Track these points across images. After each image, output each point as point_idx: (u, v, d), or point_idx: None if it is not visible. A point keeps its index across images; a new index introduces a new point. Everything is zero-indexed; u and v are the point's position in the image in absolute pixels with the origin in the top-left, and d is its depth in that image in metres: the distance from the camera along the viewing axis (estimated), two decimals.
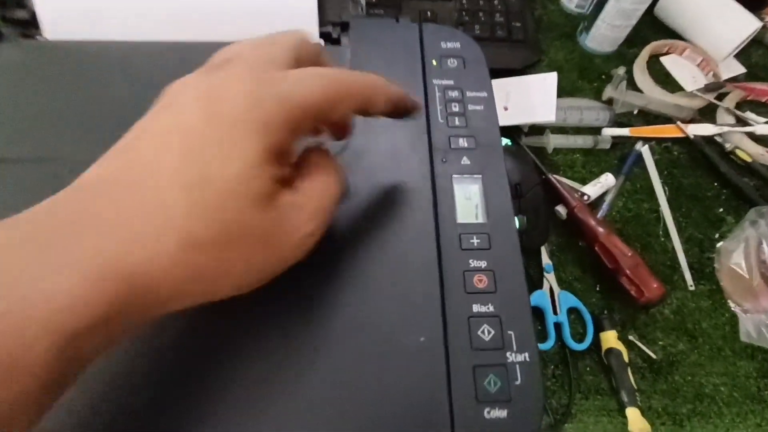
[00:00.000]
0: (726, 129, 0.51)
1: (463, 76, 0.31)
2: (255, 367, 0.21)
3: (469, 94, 0.30)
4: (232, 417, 0.20)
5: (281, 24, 0.35)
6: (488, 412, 0.21)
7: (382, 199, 0.26)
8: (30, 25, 0.35)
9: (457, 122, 0.29)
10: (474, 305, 0.23)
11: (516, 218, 0.44)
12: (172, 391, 0.20)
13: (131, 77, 0.31)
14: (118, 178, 0.16)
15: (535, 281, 0.45)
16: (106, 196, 0.15)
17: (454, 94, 0.30)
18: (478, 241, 0.25)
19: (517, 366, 0.22)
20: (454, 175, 0.27)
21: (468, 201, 0.26)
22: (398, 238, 0.25)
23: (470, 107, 0.30)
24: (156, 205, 0.15)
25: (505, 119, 0.49)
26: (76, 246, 0.14)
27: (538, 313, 0.44)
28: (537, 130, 0.52)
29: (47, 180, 0.27)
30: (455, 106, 0.30)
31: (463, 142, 0.28)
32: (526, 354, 0.22)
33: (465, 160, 0.28)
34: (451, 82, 0.31)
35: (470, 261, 0.24)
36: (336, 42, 0.36)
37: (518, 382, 0.22)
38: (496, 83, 0.52)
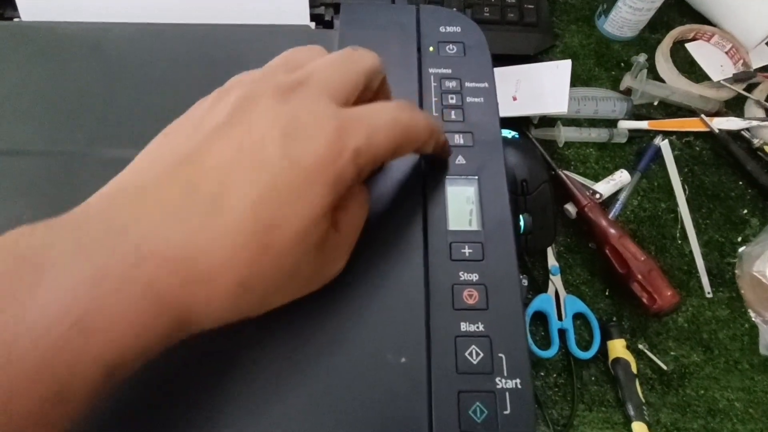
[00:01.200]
0: (755, 123, 0.47)
1: (462, 64, 0.28)
2: (220, 384, 0.19)
3: (468, 84, 0.27)
4: None
5: (270, 4, 0.33)
6: None
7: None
8: (7, 6, 0.33)
9: (453, 116, 0.26)
10: (462, 323, 0.21)
11: (521, 217, 0.41)
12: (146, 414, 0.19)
13: (109, 60, 0.29)
14: (182, 201, 0.15)
15: (539, 284, 0.43)
16: (168, 217, 0.14)
17: (452, 84, 0.27)
18: (471, 251, 0.23)
19: (507, 393, 0.20)
20: (448, 177, 0.24)
21: (461, 206, 0.24)
22: (381, 246, 0.22)
23: (469, 99, 0.27)
24: (222, 243, 0.14)
25: (513, 110, 0.46)
26: (135, 272, 0.13)
27: (541, 319, 0.42)
28: (547, 121, 0.49)
29: (26, 172, 0.25)
30: (452, 98, 0.27)
31: (458, 139, 0.26)
32: (518, 380, 0.20)
33: (460, 159, 0.25)
34: (448, 71, 0.28)
35: (460, 273, 0.22)
36: (329, 25, 0.33)
37: (507, 412, 0.19)
38: (505, 71, 0.48)
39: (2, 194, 0.24)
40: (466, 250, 0.23)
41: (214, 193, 0.15)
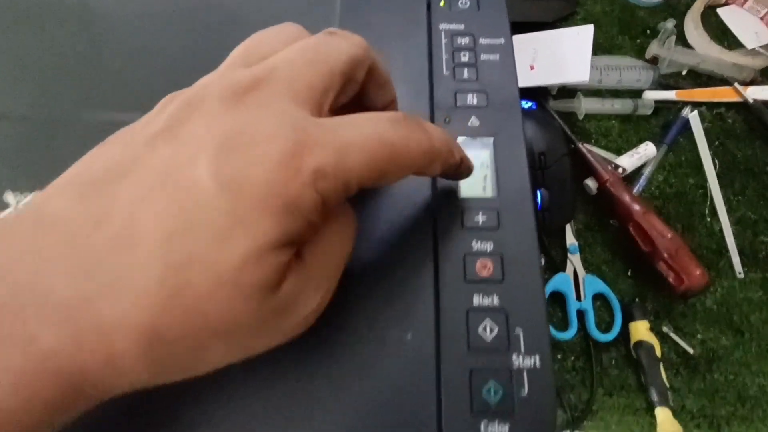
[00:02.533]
0: None
1: (476, 19, 0.26)
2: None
3: (482, 41, 0.25)
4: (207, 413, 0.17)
5: None
6: (485, 427, 0.17)
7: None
8: None
9: (465, 75, 0.24)
10: (475, 296, 0.19)
11: (538, 192, 0.39)
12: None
13: (95, 22, 0.27)
14: (86, 234, 0.11)
15: (557, 263, 0.41)
16: (64, 255, 0.11)
17: (464, 41, 0.25)
18: (485, 218, 0.21)
19: (525, 372, 0.18)
20: (459, 138, 0.22)
21: (475, 171, 0.22)
22: (387, 214, 0.21)
23: (483, 57, 0.25)
24: (122, 286, 0.11)
25: (530, 79, 0.43)
26: (11, 328, 0.10)
27: (559, 299, 0.40)
28: (567, 92, 0.46)
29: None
30: (464, 56, 0.24)
31: (472, 99, 0.23)
32: (537, 358, 0.18)
33: (474, 121, 0.23)
34: (461, 27, 0.25)
35: (473, 243, 0.20)
36: None
37: (525, 393, 0.18)
38: (522, 38, 0.45)
39: None
40: (480, 218, 0.20)
41: (121, 223, 0.12)
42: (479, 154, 0.22)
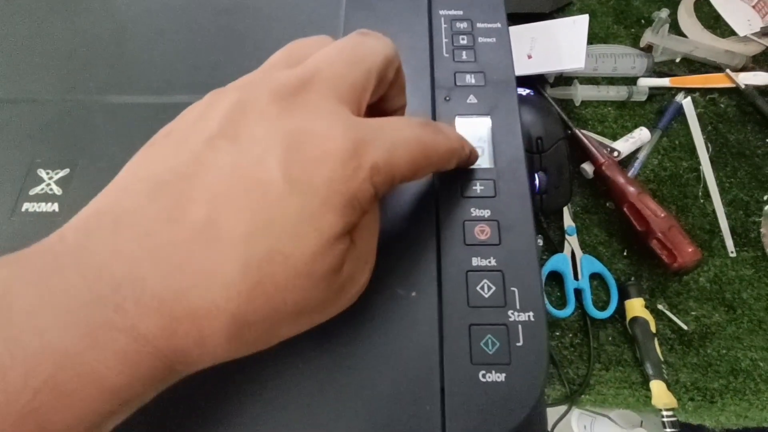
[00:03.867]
0: None
1: (473, 4, 0.27)
2: None
3: (479, 25, 0.26)
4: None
5: None
6: (484, 375, 0.19)
7: None
8: None
9: (464, 56, 0.25)
10: (474, 258, 0.21)
11: (536, 175, 0.41)
12: None
13: (119, 10, 0.29)
14: (166, 230, 0.13)
15: (555, 245, 0.42)
16: (151, 250, 0.12)
17: (463, 25, 0.26)
18: (482, 187, 0.22)
19: (520, 326, 0.19)
20: (458, 116, 0.24)
21: (473, 143, 0.23)
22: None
23: (480, 40, 0.26)
24: (211, 278, 0.12)
25: (528, 68, 0.45)
26: (115, 318, 0.12)
27: (557, 279, 0.41)
28: (564, 80, 0.48)
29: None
30: (463, 39, 0.26)
31: (470, 79, 0.25)
32: (531, 313, 0.20)
33: (472, 99, 0.24)
34: (459, 13, 0.27)
35: (472, 210, 0.22)
36: None
37: (520, 344, 0.19)
38: (519, 29, 0.47)
39: (17, 140, 0.24)
40: (478, 187, 0.22)
41: (202, 220, 0.13)
42: (477, 129, 0.24)
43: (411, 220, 0.22)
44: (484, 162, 0.23)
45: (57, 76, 0.27)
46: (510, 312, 0.20)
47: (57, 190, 0.23)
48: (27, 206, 0.22)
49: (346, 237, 0.14)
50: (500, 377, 0.19)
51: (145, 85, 0.26)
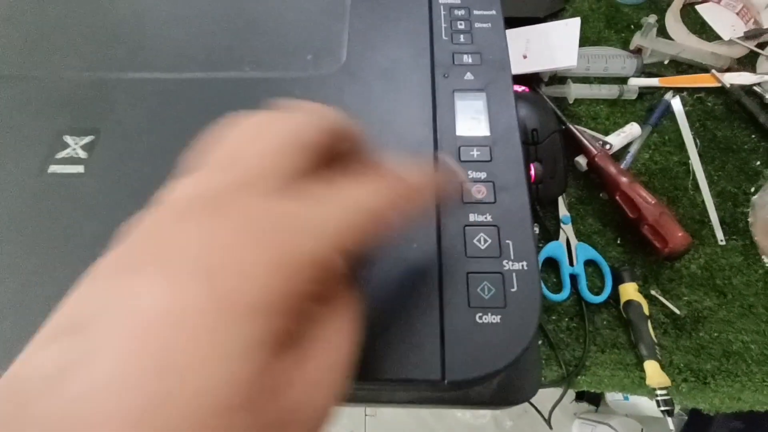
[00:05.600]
0: (767, 78, 0.47)
1: None
2: None
3: (476, 12, 0.29)
4: None
5: None
6: (480, 318, 0.20)
7: (379, 113, 0.25)
8: None
9: (462, 39, 0.28)
10: (471, 215, 0.22)
11: (531, 166, 0.42)
12: None
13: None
14: (53, 387, 0.10)
15: (551, 233, 0.43)
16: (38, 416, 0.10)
17: (461, 12, 0.29)
18: (479, 153, 0.24)
19: (514, 274, 0.21)
20: (456, 90, 0.26)
21: (470, 115, 0.25)
22: (392, 151, 0.24)
23: (477, 25, 0.28)
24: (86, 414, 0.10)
25: (523, 67, 0.47)
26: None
27: (553, 265, 0.42)
28: (558, 79, 0.50)
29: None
30: (461, 24, 0.28)
31: (467, 59, 0.27)
32: (524, 263, 0.21)
33: (468, 76, 0.26)
34: (457, 1, 0.29)
35: (469, 172, 0.23)
36: None
37: (514, 290, 0.20)
38: (515, 32, 0.49)
39: (45, 111, 0.26)
40: (475, 152, 0.24)
41: (96, 361, 0.10)
42: (474, 103, 0.26)
43: None
44: (481, 131, 0.24)
45: (81, 55, 0.29)
46: (504, 261, 0.21)
47: (83, 154, 0.24)
48: (54, 168, 0.24)
49: (279, 354, 0.11)
50: (496, 319, 0.20)
51: (160, 62, 0.28)
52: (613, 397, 0.86)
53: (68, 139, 0.25)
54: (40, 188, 0.24)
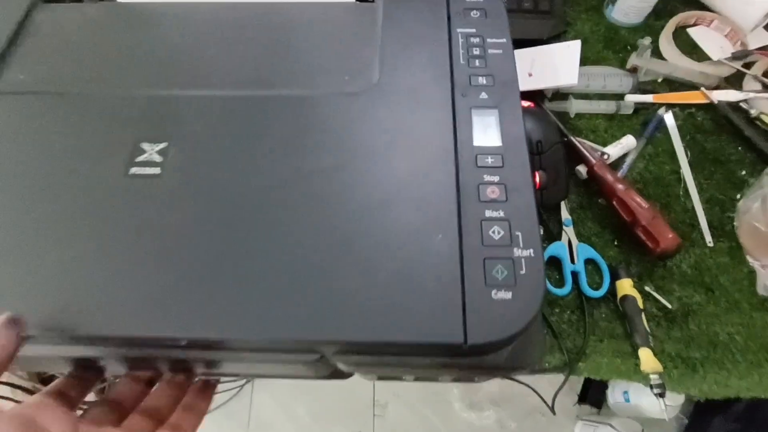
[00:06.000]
0: (752, 95, 0.52)
1: (484, 25, 0.34)
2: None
3: (489, 40, 0.33)
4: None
5: None
6: (495, 294, 0.24)
7: (407, 125, 0.30)
8: None
9: (477, 63, 0.32)
10: (486, 211, 0.27)
11: (536, 174, 0.47)
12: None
13: (179, 30, 0.36)
14: None
15: (554, 234, 0.48)
16: None
17: (476, 40, 0.33)
18: (492, 160, 0.28)
19: (523, 260, 0.25)
20: (473, 108, 0.30)
21: (485, 129, 0.30)
22: (420, 158, 0.28)
23: (490, 51, 0.33)
24: None
25: (528, 84, 0.52)
26: None
27: (555, 263, 0.46)
28: (560, 95, 0.54)
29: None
30: (476, 50, 0.33)
31: (482, 80, 0.32)
32: (531, 250, 0.26)
33: (483, 95, 0.31)
34: (473, 30, 0.34)
35: (484, 176, 0.28)
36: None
37: (523, 272, 0.25)
38: (522, 52, 0.54)
39: (124, 123, 0.31)
40: (489, 160, 0.28)
41: None
42: (488, 119, 0.30)
43: (435, 184, 0.28)
44: (494, 141, 0.29)
45: (151, 77, 0.34)
46: (515, 249, 0.26)
47: (158, 158, 0.29)
48: (134, 170, 0.29)
49: None
50: (508, 295, 0.24)
51: (219, 82, 0.33)
52: (614, 399, 0.89)
53: (145, 145, 0.30)
54: (123, 187, 0.28)
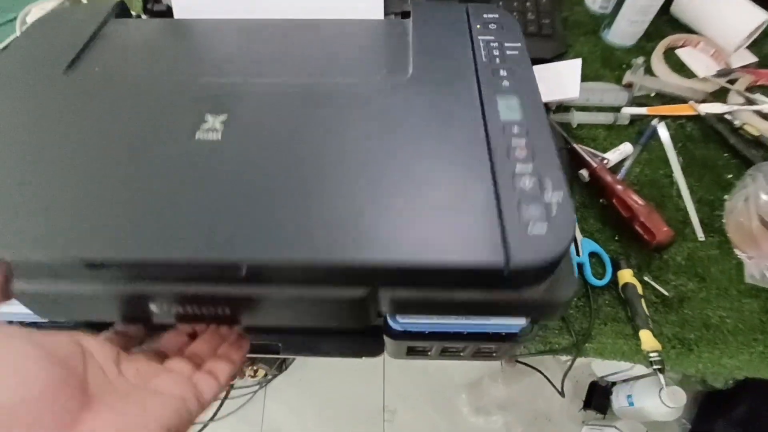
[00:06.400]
0: (736, 107, 0.57)
1: (501, 34, 0.40)
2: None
3: (506, 44, 0.39)
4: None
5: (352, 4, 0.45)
6: (531, 229, 0.28)
7: (441, 107, 0.34)
8: (167, 15, 0.46)
9: (498, 61, 0.37)
10: (517, 166, 0.31)
11: None
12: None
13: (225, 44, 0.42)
14: None
15: None
16: None
17: (495, 44, 0.39)
18: (518, 129, 0.33)
19: (553, 204, 0.29)
20: (498, 93, 0.35)
21: (509, 108, 0.34)
22: (453, 128, 0.33)
23: (508, 52, 0.38)
24: None
25: None
26: None
27: None
28: (563, 109, 0.60)
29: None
30: (495, 51, 0.38)
31: (503, 73, 0.37)
32: (560, 194, 0.29)
33: (505, 83, 0.36)
34: (492, 38, 0.39)
35: (512, 140, 0.32)
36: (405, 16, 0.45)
37: (554, 214, 0.28)
38: None
39: (192, 100, 0.35)
40: (515, 129, 0.33)
41: None
42: (511, 102, 0.35)
43: (469, 148, 0.32)
44: (518, 116, 0.33)
45: (210, 69, 0.38)
46: (546, 194, 0.29)
47: (219, 127, 0.33)
48: (199, 135, 0.33)
49: None
50: (543, 229, 0.28)
51: (273, 71, 0.38)
52: (618, 404, 0.91)
53: (208, 117, 0.34)
54: (190, 150, 0.32)
